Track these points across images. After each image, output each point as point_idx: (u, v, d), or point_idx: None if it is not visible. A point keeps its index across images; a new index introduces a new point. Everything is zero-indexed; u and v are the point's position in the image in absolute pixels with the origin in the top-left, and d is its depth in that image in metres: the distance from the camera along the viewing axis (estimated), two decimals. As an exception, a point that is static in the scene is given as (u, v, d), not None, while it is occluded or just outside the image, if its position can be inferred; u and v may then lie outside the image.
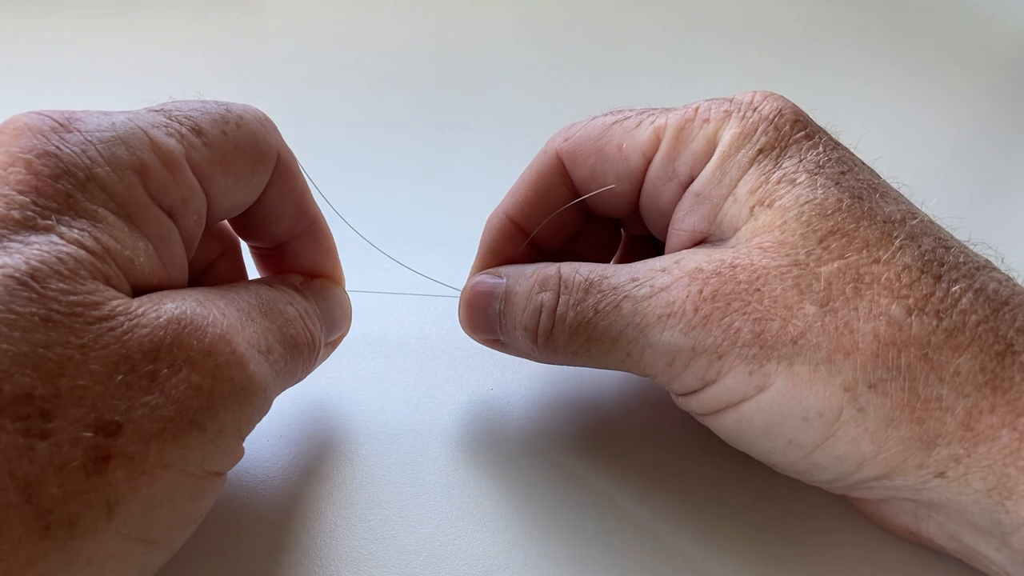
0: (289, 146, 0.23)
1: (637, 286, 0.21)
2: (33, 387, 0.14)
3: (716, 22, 0.58)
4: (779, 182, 0.21)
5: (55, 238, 0.16)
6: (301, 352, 0.22)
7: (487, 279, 0.25)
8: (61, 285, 0.15)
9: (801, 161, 0.21)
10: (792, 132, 0.22)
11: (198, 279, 0.24)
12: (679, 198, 0.23)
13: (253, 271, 0.26)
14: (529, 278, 0.23)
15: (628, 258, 0.28)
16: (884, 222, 0.20)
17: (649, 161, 0.23)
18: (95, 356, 0.15)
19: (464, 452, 0.25)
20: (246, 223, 0.24)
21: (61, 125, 0.18)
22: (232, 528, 0.23)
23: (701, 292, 0.20)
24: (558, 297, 0.22)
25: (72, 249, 0.16)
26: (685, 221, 0.23)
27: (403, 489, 0.24)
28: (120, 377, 0.16)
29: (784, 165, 0.21)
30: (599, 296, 0.22)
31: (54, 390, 0.15)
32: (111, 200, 0.17)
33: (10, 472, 0.14)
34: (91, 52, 0.50)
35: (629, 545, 0.23)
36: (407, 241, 0.34)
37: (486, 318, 0.24)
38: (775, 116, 0.22)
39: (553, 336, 0.23)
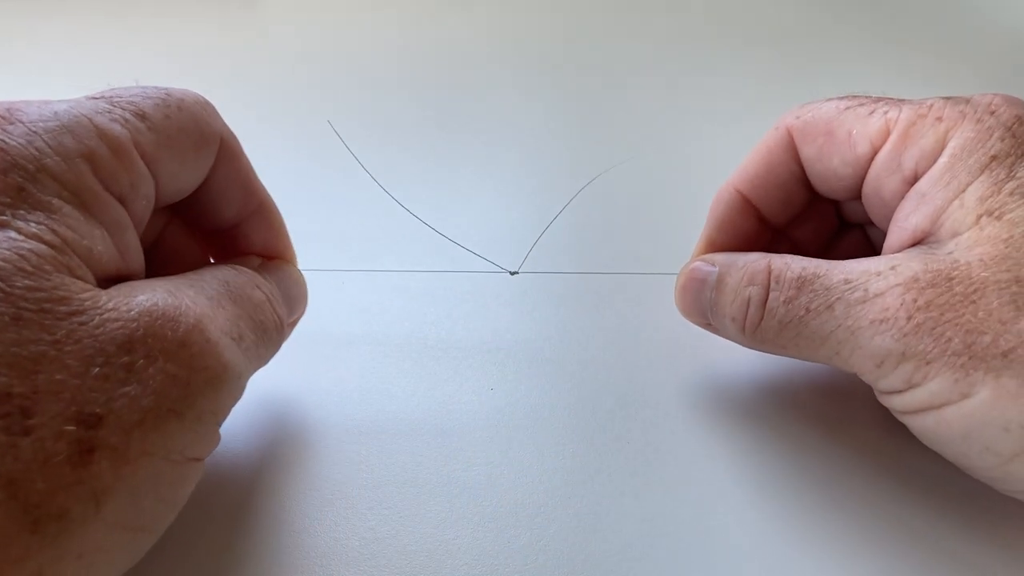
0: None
1: (851, 289, 0.22)
2: (10, 386, 0.14)
3: (716, 22, 0.58)
4: (1011, 194, 0.21)
5: (13, 234, 0.16)
6: (270, 336, 0.22)
7: (702, 266, 0.26)
8: (27, 282, 0.15)
9: None
10: None
11: (148, 252, 0.24)
12: (901, 192, 0.23)
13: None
14: (740, 269, 0.24)
15: (841, 245, 0.29)
16: None
17: (876, 150, 0.24)
18: (69, 351, 0.15)
19: (464, 452, 0.25)
20: (195, 207, 0.24)
21: (2, 117, 0.17)
22: (232, 529, 0.23)
23: (916, 301, 0.20)
24: (767, 291, 0.23)
25: (33, 244, 0.16)
26: (908, 219, 0.23)
27: (403, 489, 0.24)
28: (97, 370, 0.16)
29: (1019, 175, 0.21)
30: (811, 295, 0.22)
31: (32, 387, 0.15)
32: (64, 189, 0.17)
33: None
34: (87, 52, 0.50)
35: (628, 545, 0.23)
36: (410, 235, 0.34)
37: (698, 304, 0.26)
38: (1014, 123, 0.22)
39: (761, 328, 0.24)
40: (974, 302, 0.20)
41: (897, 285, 0.21)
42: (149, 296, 0.17)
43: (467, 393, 0.28)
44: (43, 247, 0.16)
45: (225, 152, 0.23)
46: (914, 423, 0.22)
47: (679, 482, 0.25)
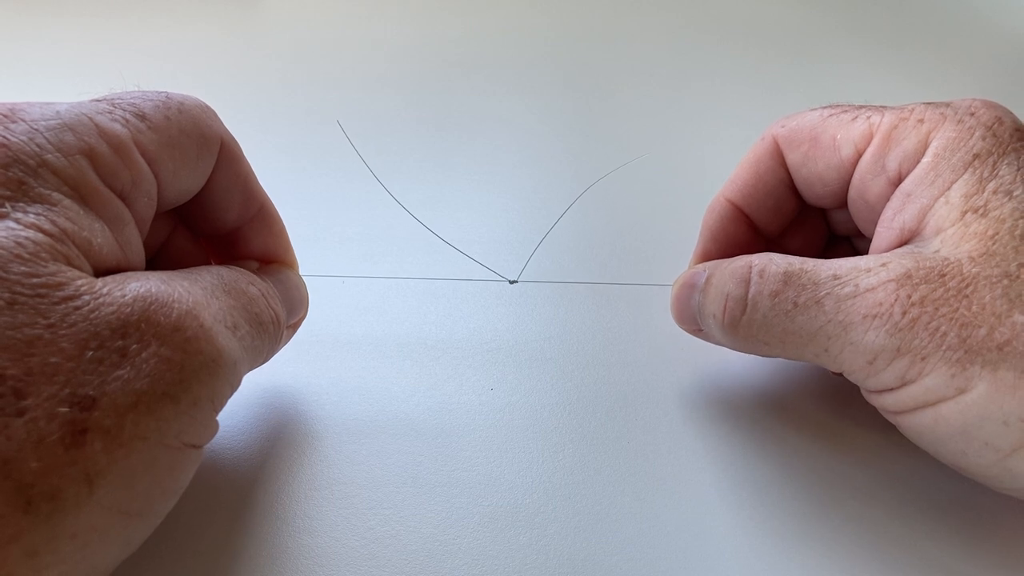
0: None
1: (840, 284, 0.22)
2: (4, 367, 0.15)
3: (716, 22, 0.58)
4: (995, 192, 0.21)
5: (11, 223, 0.16)
6: (267, 330, 0.22)
7: (694, 273, 0.26)
8: (23, 268, 0.16)
9: (1019, 171, 0.21)
10: (1011, 141, 0.22)
11: (153, 259, 0.24)
12: (886, 194, 0.24)
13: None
14: (725, 270, 0.24)
15: (831, 257, 0.29)
16: None
17: (860, 154, 0.24)
18: (64, 334, 0.16)
19: (464, 452, 0.25)
20: (197, 211, 0.24)
21: (5, 116, 0.18)
22: (232, 528, 0.23)
23: (910, 297, 0.20)
24: (748, 286, 0.23)
25: (30, 233, 0.16)
26: (895, 219, 0.23)
27: (403, 489, 0.24)
28: (91, 353, 0.16)
29: (1001, 173, 0.21)
30: (799, 289, 0.22)
31: (26, 369, 0.15)
32: (64, 184, 0.18)
33: None
34: (87, 52, 0.50)
35: (628, 545, 0.23)
36: (410, 238, 0.34)
37: (689, 309, 0.26)
38: (994, 124, 0.22)
39: (744, 323, 0.23)
40: (967, 296, 0.20)
41: (890, 281, 0.21)
42: (143, 283, 0.18)
43: (467, 393, 0.28)
44: (41, 236, 0.16)
45: (226, 155, 0.23)
46: (907, 422, 0.21)
47: (678, 482, 0.25)
